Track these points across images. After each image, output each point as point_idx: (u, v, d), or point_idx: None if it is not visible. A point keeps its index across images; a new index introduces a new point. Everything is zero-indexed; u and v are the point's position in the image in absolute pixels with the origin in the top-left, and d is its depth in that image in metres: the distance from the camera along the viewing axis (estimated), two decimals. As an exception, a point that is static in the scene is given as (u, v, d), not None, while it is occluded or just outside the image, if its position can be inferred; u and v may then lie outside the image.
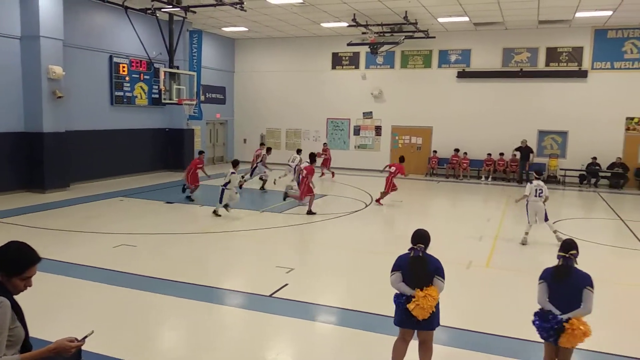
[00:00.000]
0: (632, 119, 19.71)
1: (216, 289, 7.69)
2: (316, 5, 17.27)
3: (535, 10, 17.21)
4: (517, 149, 20.47)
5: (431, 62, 22.16)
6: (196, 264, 9.09)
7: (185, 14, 16.95)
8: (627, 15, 17.65)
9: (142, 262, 8.94)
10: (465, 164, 21.50)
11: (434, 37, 20.46)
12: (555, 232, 10.79)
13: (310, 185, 13.22)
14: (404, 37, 19.60)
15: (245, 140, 25.86)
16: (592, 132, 20.00)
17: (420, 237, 4.82)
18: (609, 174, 19.77)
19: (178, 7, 16.16)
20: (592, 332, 4.47)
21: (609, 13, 17.26)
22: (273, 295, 7.37)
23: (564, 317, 4.45)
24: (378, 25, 19.19)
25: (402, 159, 15.35)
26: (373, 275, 8.34)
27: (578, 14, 17.56)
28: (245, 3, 15.71)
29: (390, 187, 14.85)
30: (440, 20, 18.97)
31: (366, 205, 14.92)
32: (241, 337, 6.17)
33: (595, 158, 19.90)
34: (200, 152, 15.50)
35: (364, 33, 19.85)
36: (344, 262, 9.42)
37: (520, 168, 20.47)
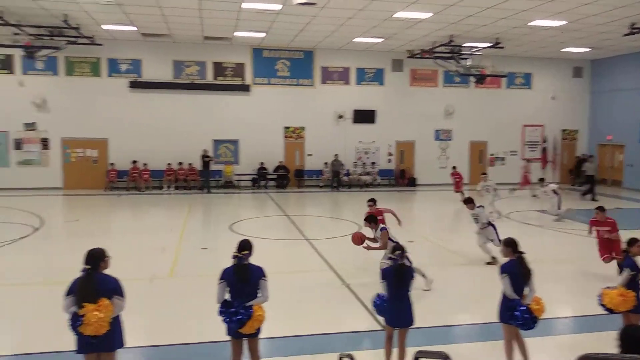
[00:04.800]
0: (289, 127, 22.90)
1: None
2: (-53, -4, 14.27)
3: (200, 27, 18.19)
4: (202, 158, 21.06)
5: (100, 70, 21.00)
6: None
7: None
8: (277, 38, 20.37)
9: None
10: (146, 176, 21.16)
11: (101, 45, 19.43)
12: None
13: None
14: (66, 42, 17.97)
15: None
16: (258, 139, 22.35)
17: (90, 257, 4.65)
18: (275, 176, 22.49)
19: None
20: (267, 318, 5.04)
21: (263, 35, 19.60)
22: None
23: (248, 304, 4.88)
24: (33, 26, 17.08)
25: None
26: (44, 310, 7.38)
27: (237, 33, 19.35)
28: None
29: None
30: (106, 27, 18.15)
31: (35, 230, 13.14)
32: None
33: (263, 163, 22.33)
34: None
35: (16, 34, 17.37)
36: (7, 301, 8.05)
37: (204, 176, 21.24)
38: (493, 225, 10.27)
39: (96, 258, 4.64)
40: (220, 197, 20.07)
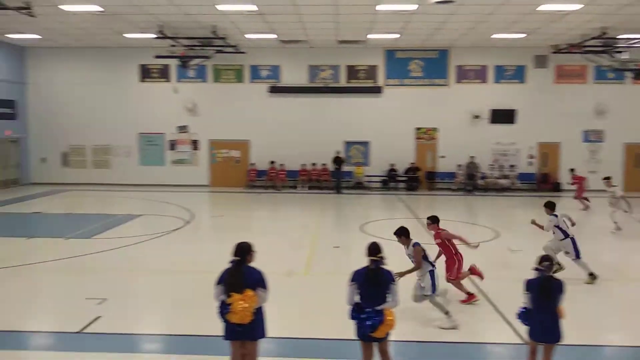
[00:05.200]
0: (420, 129, 22.53)
1: (11, 333, 6.70)
2: (118, 15, 16.29)
3: (334, 31, 18.65)
4: (335, 160, 21.63)
5: (243, 76, 22.50)
6: (-15, 307, 7.81)
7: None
8: (410, 39, 20.15)
9: None
10: (282, 175, 22.24)
11: (245, 52, 20.85)
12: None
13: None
14: (214, 51, 19.58)
15: (44, 160, 23.12)
16: (389, 141, 22.30)
17: (239, 250, 4.95)
18: (405, 178, 22.27)
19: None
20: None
21: (397, 36, 19.52)
22: (83, 331, 6.69)
23: (379, 308, 4.90)
24: (187, 38, 18.85)
25: None
26: (195, 296, 8.10)
27: (370, 36, 19.50)
28: (34, 8, 14.09)
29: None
30: (248, 36, 19.40)
31: (186, 223, 14.48)
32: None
33: (393, 164, 22.24)
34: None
35: (172, 46, 19.31)
36: (164, 286, 8.98)
37: (335, 176, 21.75)
38: (572, 239, 9.12)
39: (244, 251, 4.96)
40: (351, 198, 20.36)
